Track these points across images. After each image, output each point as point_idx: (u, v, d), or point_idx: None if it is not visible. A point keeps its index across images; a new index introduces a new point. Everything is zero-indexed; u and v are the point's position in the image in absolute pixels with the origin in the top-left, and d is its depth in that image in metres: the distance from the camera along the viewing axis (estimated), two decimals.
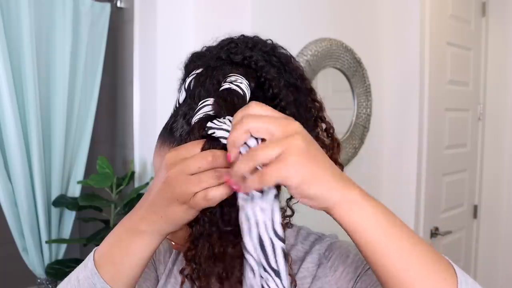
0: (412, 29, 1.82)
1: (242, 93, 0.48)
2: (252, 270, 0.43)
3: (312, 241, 0.63)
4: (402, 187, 1.88)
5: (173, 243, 0.59)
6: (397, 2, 1.85)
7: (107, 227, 1.54)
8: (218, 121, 0.45)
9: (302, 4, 1.54)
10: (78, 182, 1.63)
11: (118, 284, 0.50)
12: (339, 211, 0.42)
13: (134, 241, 0.49)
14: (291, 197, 0.53)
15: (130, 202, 1.47)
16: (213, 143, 0.44)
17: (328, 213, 0.43)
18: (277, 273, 0.42)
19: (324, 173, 0.41)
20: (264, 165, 0.39)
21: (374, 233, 0.42)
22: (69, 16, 1.54)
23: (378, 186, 1.89)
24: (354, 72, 1.71)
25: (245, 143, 0.41)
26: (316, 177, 0.40)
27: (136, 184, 1.59)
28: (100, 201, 1.51)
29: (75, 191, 1.65)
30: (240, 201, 0.42)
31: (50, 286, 1.58)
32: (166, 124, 0.56)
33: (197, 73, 0.54)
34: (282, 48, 0.58)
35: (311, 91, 0.59)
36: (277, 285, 0.42)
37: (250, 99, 0.50)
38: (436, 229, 1.99)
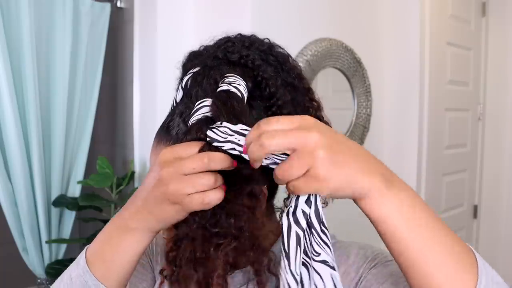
0: (412, 29, 1.82)
1: (240, 96, 0.48)
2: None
3: None
4: None
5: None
6: (397, 2, 1.85)
7: None
8: (219, 130, 0.44)
9: (302, 4, 1.54)
10: (78, 182, 1.63)
11: (110, 281, 0.50)
12: (362, 202, 0.42)
13: (124, 238, 0.49)
14: (289, 196, 0.53)
15: None
16: (211, 147, 0.44)
17: (354, 202, 0.44)
18: (286, 255, 0.42)
19: (350, 176, 0.41)
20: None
21: (393, 222, 0.42)
22: (69, 16, 1.54)
23: None
24: (354, 72, 1.71)
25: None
26: (344, 182, 0.40)
27: (136, 184, 1.59)
28: (100, 201, 1.51)
29: (75, 191, 1.65)
30: None
31: (50, 286, 1.58)
32: (163, 122, 0.56)
33: (194, 72, 0.54)
34: (280, 47, 0.58)
35: (308, 91, 0.59)
36: (284, 267, 0.42)
37: (248, 99, 0.50)
38: None
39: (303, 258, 0.43)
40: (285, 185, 0.43)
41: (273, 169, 0.42)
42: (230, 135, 0.44)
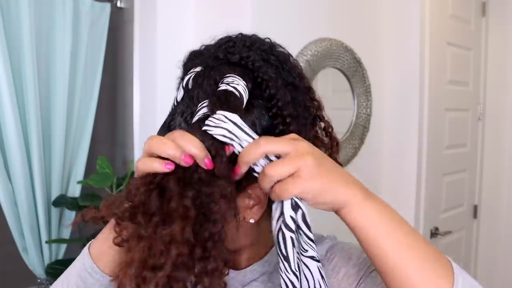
0: (412, 29, 1.82)
1: (238, 94, 0.48)
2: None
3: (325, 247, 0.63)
4: (402, 187, 1.88)
5: None
6: (397, 2, 1.85)
7: None
8: (214, 118, 0.45)
9: (302, 4, 1.54)
10: (78, 182, 1.63)
11: (105, 264, 0.53)
12: (344, 211, 0.45)
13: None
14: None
15: None
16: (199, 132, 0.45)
17: (336, 213, 0.47)
18: (286, 258, 0.45)
19: (333, 183, 0.45)
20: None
21: (374, 229, 0.45)
22: (69, 16, 1.54)
23: (378, 186, 1.89)
24: (354, 72, 1.71)
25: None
26: (327, 188, 0.44)
27: None
28: (100, 201, 1.50)
29: (75, 191, 1.65)
30: None
31: (50, 286, 1.58)
32: (164, 122, 0.56)
33: (195, 72, 0.54)
34: (280, 46, 0.59)
35: (309, 90, 0.59)
36: (285, 268, 0.46)
37: (248, 100, 0.50)
38: (436, 229, 1.99)
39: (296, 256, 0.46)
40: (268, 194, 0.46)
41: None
42: (224, 122, 0.45)
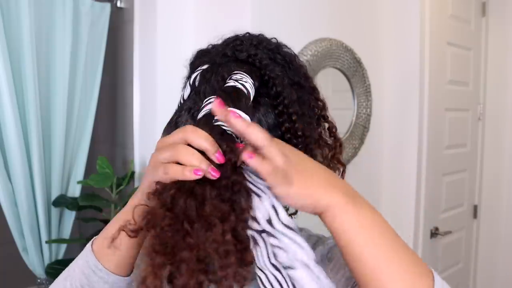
0: (412, 29, 1.82)
1: (246, 92, 0.49)
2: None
3: (314, 242, 0.63)
4: (402, 187, 1.88)
5: None
6: (397, 2, 1.85)
7: None
8: None
9: (302, 4, 1.54)
10: (78, 182, 1.63)
11: (108, 261, 0.52)
12: (322, 216, 0.45)
13: (123, 220, 0.51)
14: None
15: None
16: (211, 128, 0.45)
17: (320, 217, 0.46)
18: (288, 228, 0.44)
19: (311, 187, 0.44)
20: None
21: (354, 237, 0.44)
22: (69, 16, 1.54)
23: (378, 186, 1.90)
24: (354, 72, 1.71)
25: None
26: (304, 192, 0.43)
27: (136, 184, 1.59)
28: (100, 201, 1.51)
29: (75, 191, 1.65)
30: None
31: (52, 284, 1.58)
32: (171, 119, 0.56)
33: (203, 69, 0.54)
34: (286, 46, 0.59)
35: (314, 90, 0.59)
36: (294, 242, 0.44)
37: (254, 97, 0.50)
38: (436, 229, 1.99)
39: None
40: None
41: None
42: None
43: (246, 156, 0.42)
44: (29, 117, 1.46)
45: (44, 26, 1.52)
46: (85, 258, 0.54)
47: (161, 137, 0.56)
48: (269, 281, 0.44)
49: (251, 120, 0.46)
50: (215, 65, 0.54)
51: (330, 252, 0.60)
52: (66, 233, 1.65)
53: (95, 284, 0.53)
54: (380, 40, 1.86)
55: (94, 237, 0.56)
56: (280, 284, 0.44)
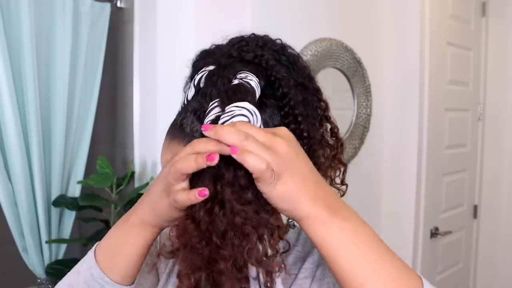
0: (412, 29, 1.82)
1: (250, 88, 0.49)
2: None
3: (312, 245, 0.63)
4: (402, 187, 1.88)
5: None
6: (397, 2, 1.85)
7: (107, 227, 1.54)
8: (226, 113, 0.46)
9: (302, 4, 1.54)
10: (78, 182, 1.63)
11: (114, 274, 0.52)
12: (304, 225, 0.45)
13: (126, 232, 0.51)
14: None
15: (130, 202, 1.47)
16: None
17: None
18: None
19: (294, 194, 0.44)
20: None
21: (337, 250, 0.44)
22: (69, 16, 1.54)
23: (378, 186, 1.90)
24: (354, 72, 1.71)
25: None
26: (286, 197, 0.44)
27: (136, 184, 1.59)
28: (100, 201, 1.51)
29: (75, 191, 1.65)
30: None
31: (50, 286, 1.58)
32: (175, 120, 0.56)
33: (209, 71, 0.54)
34: (291, 47, 0.59)
35: (318, 91, 0.59)
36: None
37: (261, 97, 0.50)
38: (436, 229, 1.99)
39: None
40: None
41: None
42: (239, 109, 0.46)
43: (231, 151, 0.42)
44: (29, 117, 1.45)
45: (44, 26, 1.52)
46: (90, 270, 0.53)
47: (165, 138, 0.56)
48: None
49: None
50: (220, 67, 0.54)
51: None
52: (66, 233, 1.65)
53: None
54: (380, 40, 1.86)
55: (96, 244, 0.55)
56: None
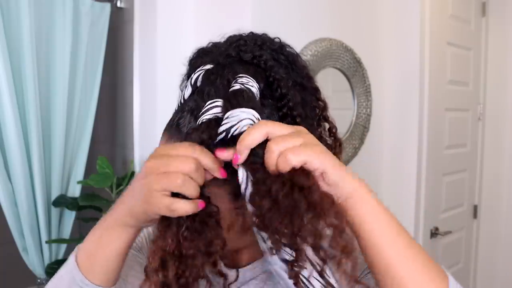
0: (412, 29, 1.82)
1: (252, 95, 0.48)
2: None
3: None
4: (402, 187, 1.88)
5: None
6: (397, 2, 1.85)
7: None
8: (230, 116, 0.45)
9: (302, 4, 1.54)
10: (78, 182, 1.63)
11: (95, 276, 0.51)
12: (351, 201, 0.44)
13: (105, 233, 0.50)
14: None
15: None
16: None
17: (340, 203, 0.44)
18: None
19: (341, 166, 0.44)
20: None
21: (379, 226, 0.44)
22: (69, 16, 1.54)
23: (378, 186, 1.89)
24: (354, 72, 1.71)
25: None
26: (336, 166, 0.43)
27: None
28: (100, 201, 1.51)
29: (75, 191, 1.65)
30: None
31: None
32: (171, 120, 0.55)
33: (206, 70, 0.53)
34: (289, 46, 0.59)
35: (316, 91, 0.59)
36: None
37: (259, 98, 0.50)
38: (436, 229, 1.99)
39: None
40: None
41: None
42: (243, 113, 0.45)
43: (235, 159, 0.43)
44: (29, 117, 1.46)
45: (44, 26, 1.52)
46: (71, 273, 0.52)
47: (161, 138, 0.56)
48: None
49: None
50: (219, 66, 0.53)
51: None
52: (66, 233, 1.65)
53: None
54: (380, 40, 1.86)
55: (77, 247, 0.54)
56: None
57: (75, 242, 1.66)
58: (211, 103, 0.48)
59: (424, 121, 1.86)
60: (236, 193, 0.47)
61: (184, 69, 0.59)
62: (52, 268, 1.53)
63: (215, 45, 0.57)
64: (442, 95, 1.99)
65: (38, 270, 1.56)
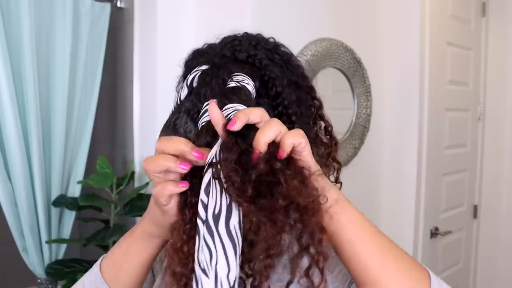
0: (412, 29, 1.82)
1: (249, 93, 0.48)
2: None
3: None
4: (402, 187, 1.88)
5: None
6: (397, 2, 1.85)
7: (107, 227, 1.54)
8: (227, 110, 0.45)
9: (302, 4, 1.54)
10: (78, 182, 1.63)
11: (119, 287, 0.51)
12: (333, 209, 0.44)
13: (131, 244, 0.51)
14: None
15: (130, 202, 1.47)
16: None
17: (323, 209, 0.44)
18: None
19: (325, 177, 0.45)
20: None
21: (360, 234, 0.45)
22: (69, 16, 1.54)
23: (378, 186, 1.89)
24: (354, 72, 1.71)
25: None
26: (321, 170, 0.45)
27: (136, 184, 1.59)
28: (100, 201, 1.51)
29: (75, 191, 1.65)
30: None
31: (50, 286, 1.58)
32: (168, 121, 0.55)
33: (202, 70, 0.54)
34: (284, 46, 0.59)
35: (311, 89, 0.59)
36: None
37: (255, 97, 0.50)
38: (436, 229, 1.99)
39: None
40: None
41: None
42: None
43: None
44: (29, 117, 1.45)
45: (44, 26, 1.52)
46: (95, 283, 0.53)
47: (159, 139, 0.56)
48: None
49: None
50: (214, 67, 0.53)
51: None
52: (66, 233, 1.65)
53: None
54: (380, 40, 1.86)
55: (102, 257, 0.55)
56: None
57: (75, 242, 1.66)
58: (208, 104, 0.48)
59: (424, 121, 1.86)
60: None
61: (180, 70, 0.59)
62: (52, 268, 1.53)
63: (210, 46, 0.58)
64: (442, 95, 1.99)
65: (38, 270, 1.56)
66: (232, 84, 0.49)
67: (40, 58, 1.50)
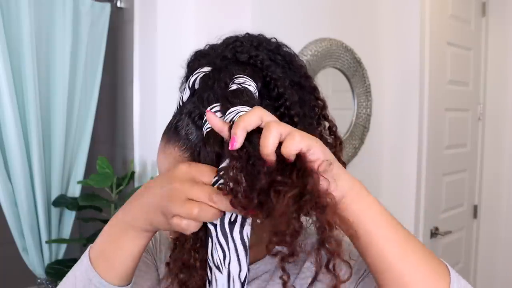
0: (412, 29, 1.82)
1: (251, 94, 0.48)
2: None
3: (314, 241, 0.63)
4: (402, 187, 1.88)
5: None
6: (397, 2, 1.85)
7: None
8: (229, 113, 0.45)
9: (302, 4, 1.54)
10: (78, 182, 1.63)
11: (111, 277, 0.52)
12: (348, 199, 0.43)
13: (122, 235, 0.51)
14: None
15: None
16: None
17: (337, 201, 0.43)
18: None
19: (337, 162, 0.44)
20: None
21: (377, 222, 0.44)
22: (69, 16, 1.54)
23: (378, 186, 1.89)
24: (354, 72, 1.71)
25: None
26: (335, 160, 0.43)
27: (136, 184, 1.59)
28: (100, 201, 1.51)
29: (75, 191, 1.65)
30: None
31: (50, 286, 1.58)
32: (170, 123, 0.55)
33: (204, 73, 0.54)
34: (286, 46, 0.59)
35: (315, 90, 0.59)
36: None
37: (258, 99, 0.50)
38: (436, 229, 1.99)
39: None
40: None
41: None
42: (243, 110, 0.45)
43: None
44: (29, 117, 1.46)
45: (44, 26, 1.52)
46: (86, 274, 0.52)
47: (161, 141, 0.56)
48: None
49: None
50: (216, 70, 0.53)
51: None
52: (66, 233, 1.65)
53: None
54: (380, 40, 1.86)
55: (90, 247, 0.54)
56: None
57: (75, 242, 1.66)
58: (211, 109, 0.48)
59: (424, 121, 1.86)
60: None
61: (182, 71, 0.59)
62: (52, 268, 1.53)
63: (212, 47, 0.58)
64: (442, 95, 1.99)
65: (38, 270, 1.56)
66: (234, 86, 0.48)
67: (40, 58, 1.50)
